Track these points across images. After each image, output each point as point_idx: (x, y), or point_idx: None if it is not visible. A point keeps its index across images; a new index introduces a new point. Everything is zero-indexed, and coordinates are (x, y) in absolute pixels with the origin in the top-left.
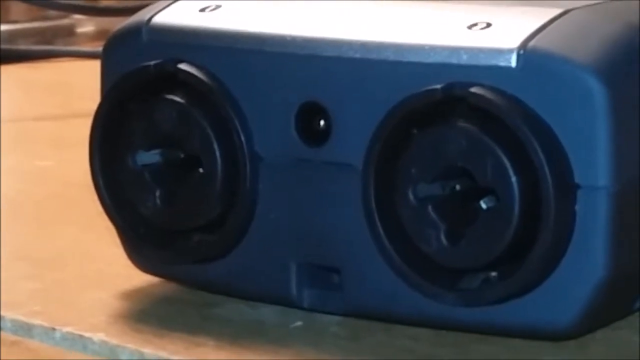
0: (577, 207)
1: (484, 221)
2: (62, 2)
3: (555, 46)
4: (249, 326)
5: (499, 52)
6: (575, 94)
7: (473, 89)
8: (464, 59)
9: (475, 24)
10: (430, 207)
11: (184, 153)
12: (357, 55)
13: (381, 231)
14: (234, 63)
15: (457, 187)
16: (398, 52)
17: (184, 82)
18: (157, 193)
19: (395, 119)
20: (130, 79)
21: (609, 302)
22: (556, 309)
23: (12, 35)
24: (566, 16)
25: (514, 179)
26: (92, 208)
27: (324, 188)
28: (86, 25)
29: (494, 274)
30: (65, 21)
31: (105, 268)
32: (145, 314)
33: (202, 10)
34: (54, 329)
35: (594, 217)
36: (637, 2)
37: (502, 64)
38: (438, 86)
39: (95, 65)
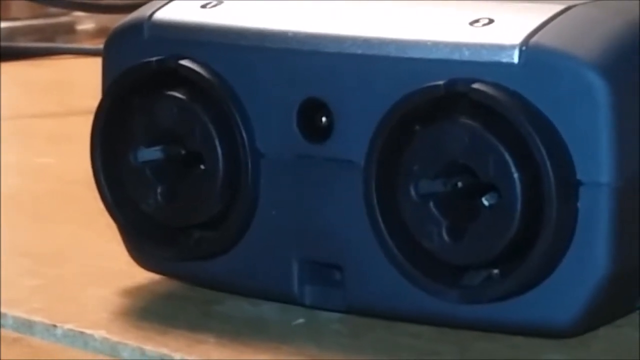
0: (579, 204)
1: (486, 218)
2: None
3: (557, 42)
4: (250, 323)
5: (501, 48)
6: (577, 90)
7: (475, 85)
8: (466, 55)
9: (478, 20)
10: (432, 204)
11: (185, 149)
12: (359, 52)
13: (383, 228)
14: (235, 59)
15: (459, 183)
16: (400, 48)
17: (186, 79)
18: (159, 190)
19: (397, 115)
20: (132, 75)
21: (611, 299)
22: (558, 306)
23: (13, 33)
24: (568, 12)
25: (516, 175)
26: (93, 205)
27: (326, 185)
28: (86, 23)
29: (495, 271)
30: (65, 18)
31: (107, 265)
32: (147, 311)
33: (204, 6)
34: (55, 326)
35: (596, 213)
36: None
37: (505, 60)
38: (440, 82)
39: (95, 63)
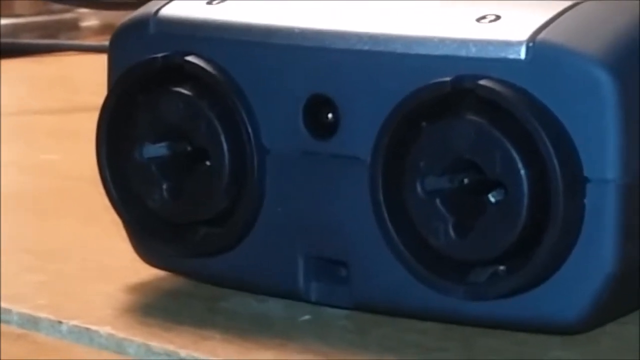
0: (586, 201)
1: (493, 214)
2: None
3: (564, 39)
4: (256, 320)
5: (508, 44)
6: (584, 87)
7: (482, 82)
8: (473, 52)
9: (484, 17)
10: (438, 200)
11: (191, 146)
12: (366, 48)
13: (389, 224)
14: (241, 55)
15: (466, 180)
16: (407, 44)
17: (192, 75)
18: (164, 186)
19: (404, 111)
20: (138, 71)
21: (618, 296)
22: (565, 302)
23: (16, 29)
24: (575, 8)
25: (522, 172)
26: (98, 201)
27: (332, 181)
28: (90, 19)
29: (502, 267)
30: (69, 15)
31: (112, 261)
32: (152, 308)
33: (209, 2)
34: (60, 322)
35: (603, 210)
36: None
37: (511, 56)
38: (447, 79)
39: (99, 60)
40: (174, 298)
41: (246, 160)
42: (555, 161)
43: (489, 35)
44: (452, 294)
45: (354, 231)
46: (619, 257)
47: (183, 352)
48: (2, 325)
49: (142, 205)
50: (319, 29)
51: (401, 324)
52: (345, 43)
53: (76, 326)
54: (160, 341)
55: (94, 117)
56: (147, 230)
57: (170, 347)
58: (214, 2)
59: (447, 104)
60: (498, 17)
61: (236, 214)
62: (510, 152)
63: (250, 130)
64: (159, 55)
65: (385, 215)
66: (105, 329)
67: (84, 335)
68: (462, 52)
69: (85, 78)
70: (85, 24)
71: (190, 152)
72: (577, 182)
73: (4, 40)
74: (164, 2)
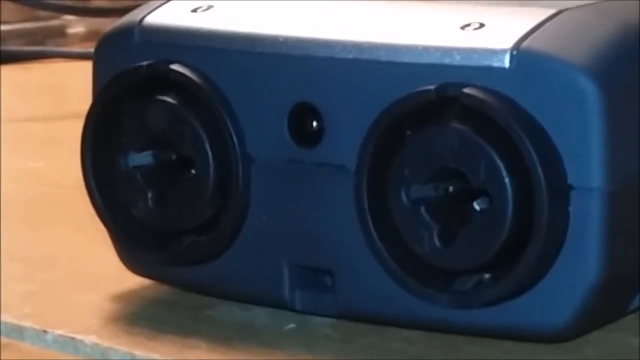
0: (570, 209)
1: (477, 222)
2: (53, 2)
3: (548, 46)
4: (241, 328)
5: (492, 52)
6: (568, 95)
7: (466, 90)
8: (457, 60)
9: (468, 25)
10: (423, 209)
11: (176, 154)
12: (350, 56)
13: (374, 233)
14: (226, 64)
15: (450, 188)
16: (391, 52)
17: (177, 83)
18: (149, 195)
19: (388, 120)
20: (123, 79)
21: (603, 303)
22: (550, 310)
23: (3, 36)
24: (559, 16)
25: (507, 180)
26: (84, 209)
27: (317, 189)
28: (77, 26)
29: (487, 275)
30: (56, 22)
31: (97, 270)
32: (137, 316)
33: (194, 10)
34: (45, 332)
35: (588, 218)
36: (631, 2)
37: (496, 64)
38: (431, 87)
39: (86, 66)
40: (159, 307)
41: (231, 169)
42: (540, 169)
43: (473, 43)
44: (437, 302)
45: (339, 239)
46: (604, 265)
47: None
48: None
49: (127, 213)
50: (303, 37)
51: (386, 332)
52: (330, 51)
53: (61, 335)
54: (145, 350)
55: (81, 124)
56: (132, 238)
57: (155, 356)
58: (199, 10)
59: (431, 112)
60: (482, 25)
61: (221, 223)
62: (495, 161)
63: (235, 138)
64: (144, 63)
65: (370, 223)
66: (90, 338)
67: (69, 345)
68: (447, 60)
69: (72, 85)
70: (72, 30)
71: (176, 160)
72: (561, 190)
73: None
74: (149, 10)
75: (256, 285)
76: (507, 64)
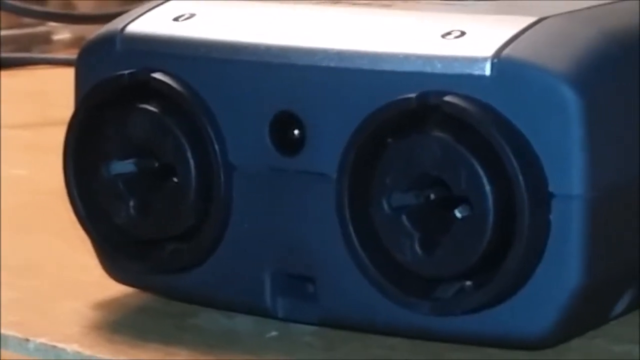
0: (551, 216)
1: (459, 230)
2: (39, 9)
3: (529, 54)
4: (224, 336)
5: (473, 60)
6: (549, 103)
7: (447, 98)
8: (438, 68)
9: (449, 33)
10: (404, 216)
11: (158, 162)
12: (332, 64)
13: (355, 240)
14: (208, 72)
15: (432, 196)
16: (372, 61)
17: (158, 92)
18: (131, 202)
19: (370, 128)
20: (104, 88)
21: (584, 311)
22: (531, 318)
23: None
24: (540, 24)
25: (488, 188)
26: (68, 217)
27: (299, 197)
28: (62, 33)
29: (468, 283)
30: (41, 28)
31: (80, 278)
32: (120, 325)
33: (176, 19)
34: (27, 340)
35: (569, 225)
36: (611, 10)
37: (476, 72)
38: (412, 95)
39: (71, 73)
40: (141, 315)
41: (213, 177)
42: (521, 177)
43: (454, 52)
44: (418, 310)
45: (320, 247)
46: (585, 272)
47: None
48: None
49: (109, 221)
50: (285, 45)
51: (368, 339)
52: (312, 59)
53: (43, 344)
54: (128, 358)
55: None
56: (114, 246)
57: None
58: (181, 19)
59: (412, 120)
60: (463, 33)
61: (203, 231)
62: (476, 168)
63: (217, 146)
64: (126, 72)
65: (352, 231)
66: (73, 347)
67: (51, 353)
68: (428, 69)
69: (57, 91)
70: (57, 37)
71: (157, 168)
72: (542, 198)
73: None
74: (131, 19)
75: (238, 293)
76: (487, 72)
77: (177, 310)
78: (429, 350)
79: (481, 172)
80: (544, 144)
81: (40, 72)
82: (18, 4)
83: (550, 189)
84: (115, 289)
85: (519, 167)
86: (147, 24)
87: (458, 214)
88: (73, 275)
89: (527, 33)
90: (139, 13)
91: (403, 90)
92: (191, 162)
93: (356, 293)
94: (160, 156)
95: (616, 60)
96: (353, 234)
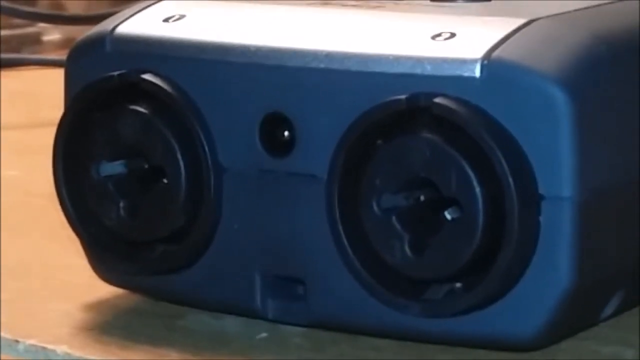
0: (541, 218)
1: (448, 232)
2: (29, 10)
3: (519, 56)
4: (213, 337)
5: (463, 62)
6: (538, 105)
7: (437, 100)
8: (428, 70)
9: (439, 34)
10: (394, 218)
11: (148, 164)
12: (322, 66)
13: (345, 242)
14: (198, 73)
15: (422, 197)
16: (362, 62)
17: (148, 93)
18: (121, 204)
19: (360, 129)
20: (94, 89)
21: (574, 312)
22: (521, 319)
23: None
24: (530, 26)
25: (478, 189)
26: (58, 218)
27: (289, 199)
28: (53, 34)
29: (458, 284)
30: (31, 29)
31: (70, 279)
32: (109, 326)
33: (166, 20)
34: (17, 341)
35: (559, 227)
36: (602, 11)
37: (466, 74)
38: (402, 97)
39: (62, 74)
40: (131, 316)
41: (203, 178)
42: (510, 179)
43: (444, 53)
44: (408, 311)
45: (310, 249)
46: (575, 274)
47: None
48: None
49: (98, 223)
50: (275, 46)
51: (358, 341)
52: (301, 61)
53: (33, 345)
54: (118, 359)
55: None
56: (104, 248)
57: None
58: (171, 20)
59: (402, 121)
60: (453, 35)
61: (193, 232)
62: (466, 170)
63: (206, 148)
64: (115, 73)
65: (342, 232)
66: (62, 348)
67: (41, 354)
68: (418, 70)
69: (48, 92)
70: (47, 38)
71: (147, 170)
72: (532, 200)
73: None
74: (120, 20)
75: (228, 294)
76: (477, 73)
77: (167, 311)
78: (418, 351)
79: (471, 174)
80: (534, 145)
81: (30, 73)
82: (8, 4)
83: (540, 190)
84: (105, 290)
85: (508, 169)
86: (137, 25)
87: (448, 216)
88: (63, 277)
89: (517, 35)
90: (129, 14)
91: (393, 91)
92: (181, 163)
93: (346, 295)
94: (150, 157)
95: (606, 62)
96: (343, 236)
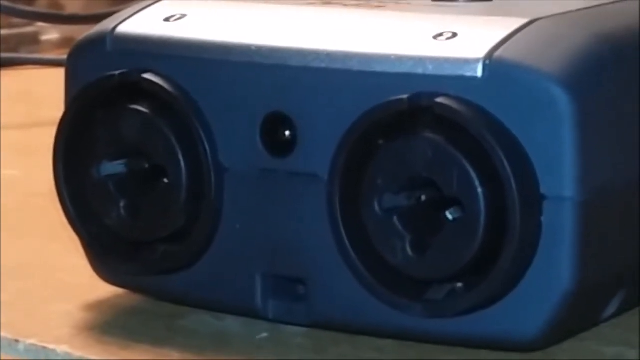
0: (543, 218)
1: (450, 232)
2: (27, 9)
3: (520, 56)
4: (214, 337)
5: (465, 62)
6: (540, 104)
7: (439, 99)
8: (430, 69)
9: (441, 34)
10: (396, 218)
11: (149, 163)
12: (323, 65)
13: (347, 242)
14: (199, 73)
15: (423, 197)
16: (364, 62)
17: (149, 92)
18: (122, 204)
19: (361, 129)
20: (95, 88)
21: (575, 313)
22: (522, 320)
23: None
24: (532, 26)
25: (479, 189)
26: (58, 218)
27: (290, 199)
28: (51, 33)
29: (460, 285)
30: (29, 29)
31: (70, 279)
32: (110, 326)
33: (167, 19)
34: (17, 341)
35: (560, 227)
36: (603, 11)
37: (468, 74)
38: (404, 96)
39: (60, 73)
40: (131, 316)
41: (204, 178)
42: (512, 179)
43: (446, 53)
44: (409, 312)
45: (311, 249)
46: (577, 274)
47: None
48: None
49: (99, 222)
50: (276, 46)
51: (359, 341)
52: (303, 60)
53: (33, 345)
54: (118, 359)
55: (55, 132)
56: (104, 247)
57: None
58: (172, 20)
59: (404, 121)
60: (455, 35)
61: (194, 232)
62: (467, 170)
63: (207, 147)
64: (116, 72)
65: (343, 232)
66: (63, 348)
67: (41, 354)
68: (419, 70)
69: (46, 92)
70: (45, 37)
71: (148, 169)
72: (534, 200)
73: None
74: (121, 19)
75: (229, 295)
76: (479, 73)
77: (168, 311)
78: (419, 352)
79: (473, 174)
80: (536, 145)
81: (28, 72)
82: (6, 3)
83: (542, 190)
84: (106, 290)
85: (510, 168)
86: (137, 24)
87: (449, 216)
88: (63, 277)
89: (519, 34)
90: (130, 13)
91: (395, 91)
92: (182, 163)
93: (347, 295)
94: (150, 157)
95: (608, 62)
96: (344, 236)
